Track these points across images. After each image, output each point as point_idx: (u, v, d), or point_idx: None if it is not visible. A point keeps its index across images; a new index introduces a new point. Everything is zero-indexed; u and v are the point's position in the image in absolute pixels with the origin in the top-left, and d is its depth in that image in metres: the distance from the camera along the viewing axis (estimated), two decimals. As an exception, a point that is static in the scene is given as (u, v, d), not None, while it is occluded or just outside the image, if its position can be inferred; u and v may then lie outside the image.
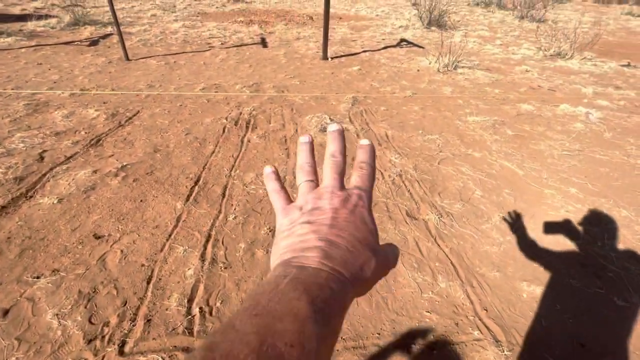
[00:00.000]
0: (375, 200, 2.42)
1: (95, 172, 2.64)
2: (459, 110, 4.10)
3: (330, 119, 3.69)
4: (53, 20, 8.11)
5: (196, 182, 2.59)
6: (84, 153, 2.90)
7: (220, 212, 2.30)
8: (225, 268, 1.88)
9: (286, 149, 3.10)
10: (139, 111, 3.76)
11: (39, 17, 8.44)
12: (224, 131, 3.39)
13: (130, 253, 1.96)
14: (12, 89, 4.16)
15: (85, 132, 3.24)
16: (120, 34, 5.43)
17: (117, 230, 2.12)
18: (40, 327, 1.54)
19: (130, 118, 3.58)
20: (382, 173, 2.78)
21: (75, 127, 3.32)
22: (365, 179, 0.31)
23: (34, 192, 2.40)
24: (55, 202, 2.31)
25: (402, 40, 7.99)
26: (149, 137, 3.23)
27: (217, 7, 12.21)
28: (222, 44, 7.01)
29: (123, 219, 2.21)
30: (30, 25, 7.61)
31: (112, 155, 2.90)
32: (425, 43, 7.67)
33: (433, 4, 9.28)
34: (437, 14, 9.38)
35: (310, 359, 0.19)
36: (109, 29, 7.81)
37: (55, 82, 4.48)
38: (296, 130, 3.46)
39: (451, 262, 1.98)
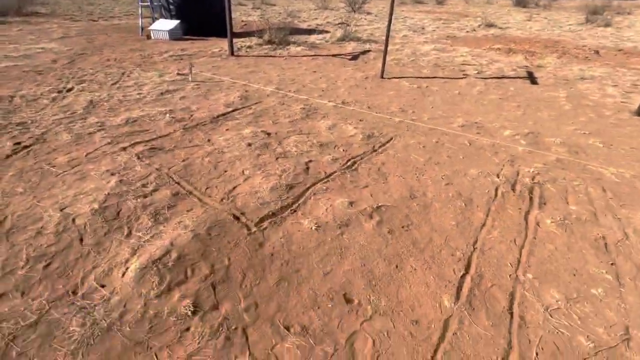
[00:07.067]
0: None
1: (351, 204, 2.40)
2: None
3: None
4: (327, 35, 9.62)
5: (466, 269, 1.89)
6: (341, 175, 2.78)
7: (510, 346, 1.49)
8: None
9: (611, 264, 1.94)
10: (392, 138, 3.48)
11: (319, 32, 10.25)
12: (496, 194, 2.57)
13: (383, 352, 1.46)
14: (294, 92, 4.83)
15: (344, 150, 3.19)
16: (385, 54, 5.53)
17: (369, 300, 1.70)
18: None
19: (384, 144, 3.33)
20: None
21: (335, 142, 3.34)
22: None
23: (297, 207, 2.37)
24: (314, 228, 2.16)
25: None
26: (404, 175, 2.81)
27: (467, 31, 11.44)
28: (477, 72, 6.17)
29: (375, 286, 1.78)
30: (312, 37, 9.27)
31: (367, 186, 2.64)
32: None
33: None
34: None
35: None
36: (367, 46, 8.47)
37: (323, 91, 4.94)
38: (625, 235, 2.19)
39: None
